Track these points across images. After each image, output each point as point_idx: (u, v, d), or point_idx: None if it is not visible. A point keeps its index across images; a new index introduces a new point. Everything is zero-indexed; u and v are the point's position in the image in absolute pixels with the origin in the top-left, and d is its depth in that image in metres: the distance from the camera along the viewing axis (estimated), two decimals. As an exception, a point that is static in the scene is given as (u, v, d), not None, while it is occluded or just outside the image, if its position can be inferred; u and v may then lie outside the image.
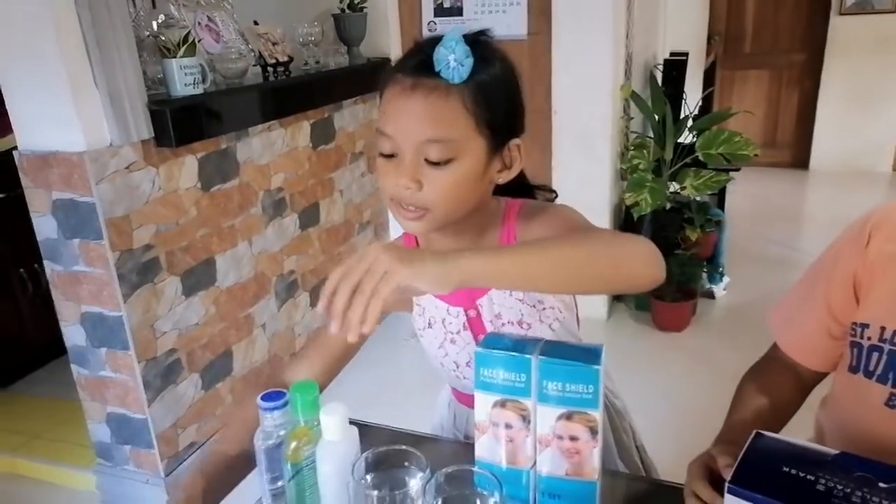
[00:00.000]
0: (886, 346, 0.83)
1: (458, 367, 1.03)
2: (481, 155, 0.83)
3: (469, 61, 0.79)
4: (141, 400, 1.99)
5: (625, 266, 0.76)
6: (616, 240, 0.80)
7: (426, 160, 0.80)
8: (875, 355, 0.84)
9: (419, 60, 0.81)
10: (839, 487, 0.62)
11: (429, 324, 1.02)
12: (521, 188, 0.99)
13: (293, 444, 0.76)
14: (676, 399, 2.53)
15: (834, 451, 0.68)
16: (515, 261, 0.72)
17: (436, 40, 0.80)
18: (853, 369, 0.88)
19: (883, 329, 0.84)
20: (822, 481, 0.63)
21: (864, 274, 0.87)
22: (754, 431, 0.72)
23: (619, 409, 1.13)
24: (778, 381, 0.99)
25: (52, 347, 2.52)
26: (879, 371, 0.84)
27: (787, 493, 0.63)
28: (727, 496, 0.66)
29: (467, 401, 1.09)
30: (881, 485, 0.63)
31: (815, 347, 0.95)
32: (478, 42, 0.81)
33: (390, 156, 0.83)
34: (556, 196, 1.05)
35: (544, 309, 0.97)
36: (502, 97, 0.84)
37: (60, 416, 2.52)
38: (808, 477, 0.64)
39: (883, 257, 0.84)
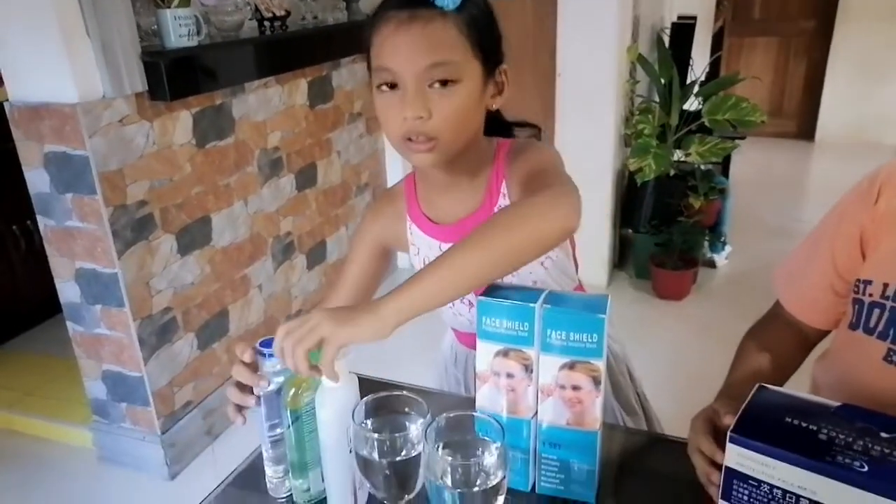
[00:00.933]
0: (888, 304, 0.82)
1: (453, 304, 1.02)
2: (478, 78, 0.86)
3: None
4: (136, 358, 1.97)
5: (528, 240, 0.75)
6: (520, 212, 0.78)
7: (430, 86, 0.82)
8: (876, 311, 0.84)
9: None
10: (841, 437, 0.63)
11: (423, 261, 1.02)
12: (501, 126, 1.02)
13: (292, 391, 0.74)
14: (677, 366, 2.52)
15: (836, 403, 0.68)
16: (433, 282, 0.72)
17: None
18: (853, 326, 0.87)
19: (886, 286, 0.83)
20: (824, 431, 0.64)
21: (871, 229, 0.85)
22: (757, 384, 0.72)
23: (617, 353, 1.14)
24: (779, 337, 0.98)
25: (46, 305, 2.50)
26: (881, 327, 0.83)
27: (788, 442, 0.63)
28: (729, 445, 0.65)
29: (467, 340, 1.10)
30: (883, 434, 0.62)
31: (817, 304, 0.94)
32: None
33: (392, 88, 0.83)
34: (540, 130, 1.06)
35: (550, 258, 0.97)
36: (491, 22, 0.88)
37: (56, 373, 2.51)
38: (811, 427, 0.64)
39: (892, 212, 0.82)
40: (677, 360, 2.58)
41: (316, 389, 0.74)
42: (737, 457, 0.64)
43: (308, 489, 0.79)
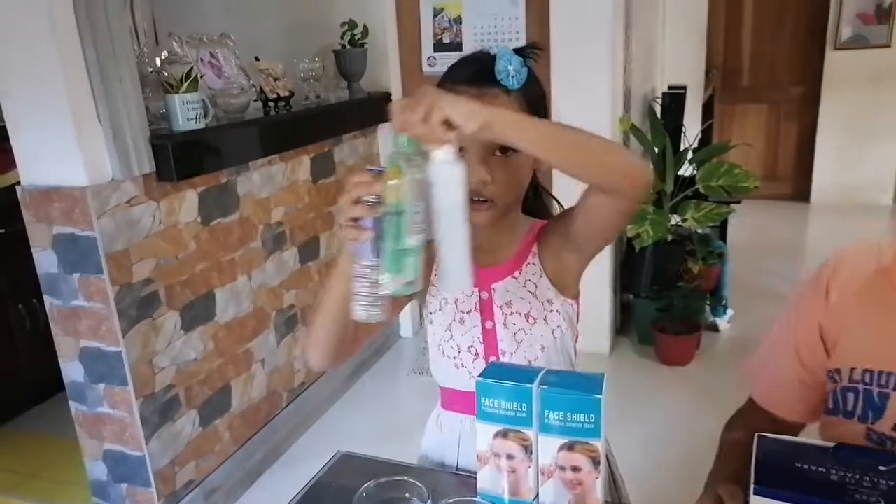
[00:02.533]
0: (860, 387, 0.85)
1: (459, 353, 1.04)
2: None
3: (524, 70, 0.94)
4: (138, 437, 1.96)
5: (621, 160, 0.87)
6: (624, 149, 0.98)
7: (493, 154, 0.93)
8: (850, 396, 0.86)
9: (478, 70, 0.94)
10: (849, 475, 0.67)
11: (440, 306, 1.06)
12: (535, 190, 1.13)
13: (394, 181, 0.75)
14: (681, 433, 2.49)
15: (831, 444, 0.72)
16: (536, 123, 0.84)
17: (484, 54, 0.96)
18: (831, 412, 0.88)
19: (852, 370, 0.86)
20: (833, 472, 0.67)
21: (828, 324, 0.88)
22: (757, 435, 0.74)
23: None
24: (758, 429, 0.99)
25: (49, 384, 2.50)
26: (858, 411, 0.85)
27: (808, 487, 0.66)
28: (754, 499, 0.66)
29: (458, 403, 1.08)
30: (881, 468, 0.67)
31: (788, 397, 0.95)
32: (525, 56, 0.95)
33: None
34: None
35: (551, 311, 1.02)
36: (543, 98, 1.00)
37: (56, 454, 2.49)
38: (820, 469, 0.68)
39: (843, 303, 0.87)
40: (684, 425, 2.55)
41: (412, 180, 0.75)
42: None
43: (409, 281, 0.78)
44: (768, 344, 0.99)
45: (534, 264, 1.02)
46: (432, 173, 0.77)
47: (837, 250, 0.90)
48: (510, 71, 0.92)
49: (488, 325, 1.03)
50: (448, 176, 0.77)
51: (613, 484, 1.13)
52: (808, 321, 0.90)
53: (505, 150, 0.92)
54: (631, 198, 0.87)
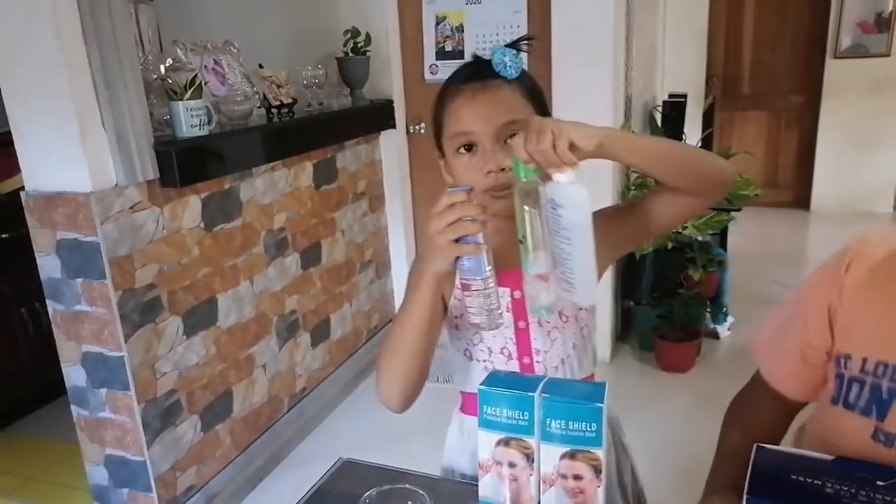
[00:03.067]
0: (869, 379, 0.83)
1: (490, 355, 1.04)
2: None
3: (519, 60, 0.98)
4: (140, 442, 1.96)
5: (714, 167, 0.95)
6: (708, 153, 1.01)
7: (504, 143, 0.95)
8: (856, 387, 0.84)
9: (475, 69, 0.99)
10: (844, 489, 0.66)
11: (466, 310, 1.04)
12: None
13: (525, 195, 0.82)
14: (681, 440, 2.49)
15: (830, 457, 0.72)
16: (639, 140, 0.96)
17: (477, 58, 1.01)
18: (834, 400, 0.87)
19: (864, 360, 0.84)
20: (829, 485, 0.67)
21: (839, 305, 0.87)
22: (755, 445, 0.74)
23: (627, 445, 1.15)
24: (759, 412, 1.01)
25: (51, 387, 2.50)
26: (862, 404, 0.84)
27: (802, 499, 0.66)
28: None
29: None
30: (879, 483, 0.66)
31: (792, 374, 0.96)
32: (518, 48, 0.99)
33: (468, 150, 0.97)
34: None
35: (580, 309, 1.04)
36: (540, 88, 1.03)
37: (57, 457, 2.49)
38: (816, 482, 0.67)
39: (862, 288, 0.85)
40: (684, 432, 2.55)
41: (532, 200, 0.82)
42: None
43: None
44: (778, 319, 0.99)
45: None
46: (558, 195, 0.82)
47: (862, 235, 0.90)
48: (506, 62, 0.96)
49: (521, 324, 1.03)
50: (576, 197, 0.82)
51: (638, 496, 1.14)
52: (819, 302, 0.90)
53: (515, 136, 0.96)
54: (715, 199, 0.96)
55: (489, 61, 0.98)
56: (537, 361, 1.03)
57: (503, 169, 0.94)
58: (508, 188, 0.92)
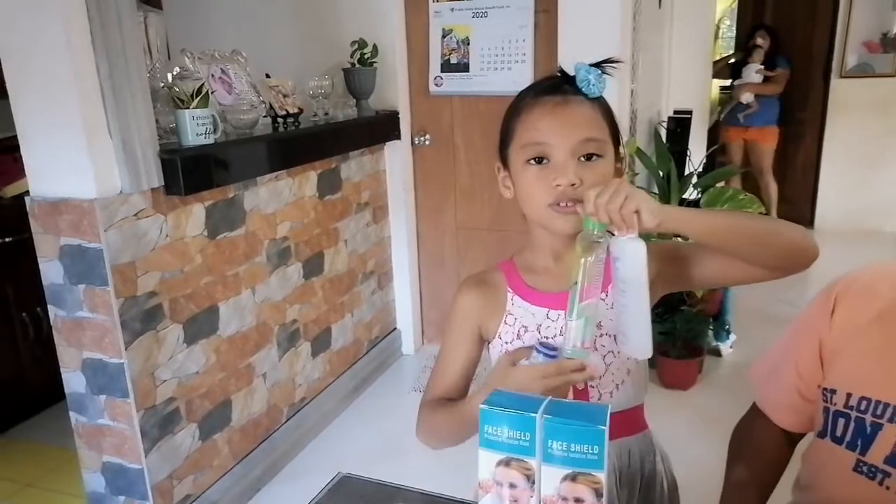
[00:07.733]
0: (853, 413, 0.84)
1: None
2: (612, 157, 0.99)
3: (603, 79, 0.99)
4: (138, 449, 1.95)
5: (788, 242, 0.92)
6: (784, 223, 0.97)
7: (578, 159, 0.95)
8: (841, 421, 0.86)
9: (557, 83, 0.99)
10: None
11: (518, 334, 1.04)
12: None
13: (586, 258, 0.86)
14: (682, 457, 2.47)
15: None
16: (701, 217, 0.93)
17: (562, 72, 1.00)
18: (821, 434, 0.88)
19: (849, 395, 0.85)
20: None
21: (828, 341, 0.89)
22: None
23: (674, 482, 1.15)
24: (763, 445, 1.01)
25: (49, 394, 2.50)
26: (848, 437, 0.85)
27: None
28: None
29: None
30: None
31: (786, 406, 0.97)
32: (602, 70, 1.00)
33: (539, 163, 0.96)
34: None
35: None
36: (613, 112, 1.03)
37: (55, 464, 2.48)
38: None
39: (849, 325, 0.87)
40: (685, 450, 2.52)
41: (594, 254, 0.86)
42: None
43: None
44: (776, 350, 1.00)
45: None
46: (618, 249, 0.87)
47: (853, 270, 0.91)
48: (591, 80, 0.97)
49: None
50: (635, 253, 0.86)
51: None
52: (811, 335, 0.91)
53: (590, 156, 0.96)
54: (791, 273, 0.91)
55: (573, 77, 0.98)
56: (591, 386, 1.02)
57: (573, 184, 0.93)
58: (574, 202, 0.93)
